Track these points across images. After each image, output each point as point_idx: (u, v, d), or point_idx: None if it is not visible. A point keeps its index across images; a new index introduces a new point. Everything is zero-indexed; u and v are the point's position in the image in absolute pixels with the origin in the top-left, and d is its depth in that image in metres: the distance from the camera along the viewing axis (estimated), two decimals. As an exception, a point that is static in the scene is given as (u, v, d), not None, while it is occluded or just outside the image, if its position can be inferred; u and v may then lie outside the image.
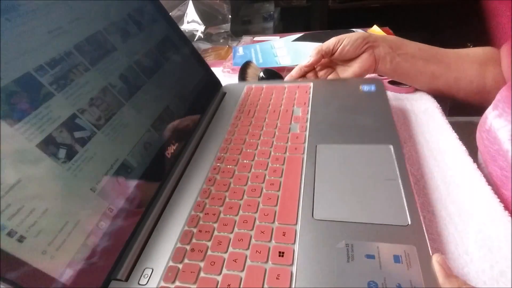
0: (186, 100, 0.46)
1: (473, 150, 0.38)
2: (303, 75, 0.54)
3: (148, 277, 0.27)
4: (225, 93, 0.53)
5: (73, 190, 0.28)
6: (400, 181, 0.32)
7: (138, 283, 0.27)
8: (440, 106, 0.48)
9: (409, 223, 0.28)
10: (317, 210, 0.30)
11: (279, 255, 0.27)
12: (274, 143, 0.40)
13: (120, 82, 0.37)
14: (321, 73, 0.55)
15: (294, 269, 0.26)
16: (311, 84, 0.50)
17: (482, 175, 0.35)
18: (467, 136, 0.39)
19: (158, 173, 0.37)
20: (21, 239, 0.24)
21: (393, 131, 0.38)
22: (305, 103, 0.46)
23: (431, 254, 0.25)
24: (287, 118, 0.44)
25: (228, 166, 0.38)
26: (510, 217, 0.31)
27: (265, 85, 0.53)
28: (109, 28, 0.38)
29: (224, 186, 0.35)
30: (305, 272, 0.26)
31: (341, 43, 0.50)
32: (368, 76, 0.52)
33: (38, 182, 0.26)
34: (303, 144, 0.39)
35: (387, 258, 0.25)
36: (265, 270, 0.26)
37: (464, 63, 0.46)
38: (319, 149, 0.38)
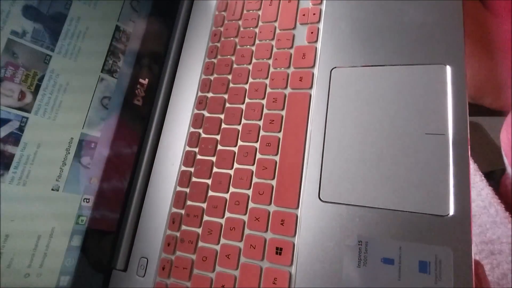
0: (142, 7, 0.32)
1: (472, 150, 0.30)
2: None
3: (144, 268, 0.26)
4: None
5: (30, 201, 0.24)
6: (450, 136, 0.21)
7: (137, 274, 0.26)
8: None
9: (452, 213, 0.20)
10: (325, 188, 0.23)
11: (277, 253, 0.23)
12: (271, 69, 0.28)
13: (29, 22, 0.25)
14: None
15: (293, 270, 0.22)
16: None
17: (483, 176, 0.32)
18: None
19: (130, 134, 0.30)
20: (-6, 275, 0.22)
21: (456, 37, 0.23)
22: (318, -21, 0.29)
23: (472, 264, 0.19)
24: (289, 16, 0.29)
25: (213, 115, 0.29)
26: (511, 219, 0.29)
27: None
28: None
29: (210, 149, 0.28)
30: (305, 278, 0.22)
31: None
32: None
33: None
34: (311, 69, 0.27)
35: (410, 265, 0.20)
36: (261, 270, 0.23)
37: None
38: (334, 76, 0.26)
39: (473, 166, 0.32)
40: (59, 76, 0.26)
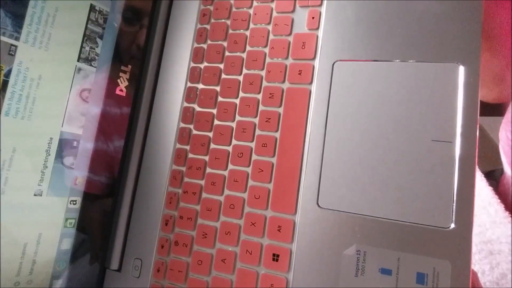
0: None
1: None
2: None
3: (139, 269, 0.26)
4: None
5: (11, 209, 0.23)
6: (457, 145, 0.20)
7: (132, 275, 0.26)
8: None
9: (453, 225, 0.20)
10: (323, 194, 0.22)
11: (273, 259, 0.23)
12: (267, 59, 0.26)
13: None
14: None
15: (290, 277, 0.22)
16: None
17: (483, 175, 0.31)
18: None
19: (114, 129, 0.28)
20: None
21: (474, 33, 0.21)
22: (321, -48, 0.26)
23: (470, 277, 0.19)
24: (288, -4, 0.26)
25: (204, 110, 0.27)
26: (510, 219, 0.29)
27: None
28: None
29: (203, 147, 0.26)
30: (302, 285, 0.22)
31: None
32: None
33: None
34: (312, 61, 0.24)
35: (407, 276, 0.20)
36: (257, 275, 0.23)
37: None
38: (337, 71, 0.24)
39: (475, 167, 0.31)
40: (29, 69, 0.23)
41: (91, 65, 0.26)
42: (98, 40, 0.27)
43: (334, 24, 0.24)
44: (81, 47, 0.26)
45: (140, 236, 0.27)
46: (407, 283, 0.20)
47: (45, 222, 0.24)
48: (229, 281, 0.23)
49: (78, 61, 0.26)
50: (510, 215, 0.29)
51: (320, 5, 0.25)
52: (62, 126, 0.25)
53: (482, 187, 0.30)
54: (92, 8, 0.26)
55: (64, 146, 0.25)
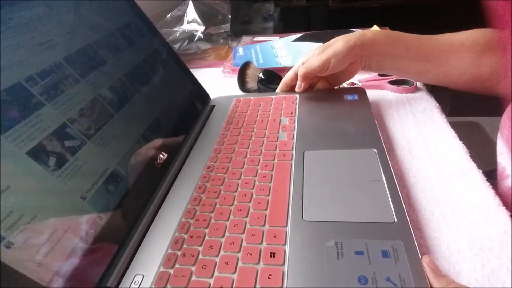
0: (175, 112, 0.47)
1: (472, 150, 0.38)
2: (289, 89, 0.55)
3: (138, 284, 0.27)
4: (213, 106, 0.54)
5: (63, 197, 0.28)
6: (384, 181, 0.33)
7: (129, 290, 0.27)
8: (440, 106, 0.47)
9: (395, 220, 0.29)
10: (306, 212, 0.31)
11: (271, 256, 0.27)
12: (263, 151, 0.41)
13: (110, 94, 0.38)
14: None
15: (285, 268, 0.26)
16: (297, 96, 0.52)
17: (482, 174, 0.35)
18: (467, 136, 0.37)
19: (148, 182, 0.37)
20: (8, 245, 0.23)
21: (376, 136, 0.39)
22: (292, 113, 0.47)
23: (417, 248, 0.26)
24: (275, 127, 0.45)
25: (218, 174, 0.38)
26: (507, 216, 0.31)
27: (252, 97, 0.54)
28: (99, 42, 0.39)
29: (215, 193, 0.35)
30: (296, 271, 0.26)
31: (329, 64, 0.46)
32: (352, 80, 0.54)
33: (27, 189, 0.26)
34: (291, 151, 0.40)
35: (375, 254, 0.26)
36: (257, 270, 0.26)
37: (457, 55, 0.43)
38: (306, 155, 0.39)
39: (470, 166, 0.36)
40: (114, 127, 0.36)
41: (146, 142, 0.39)
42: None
43: (302, 136, 0.42)
44: (145, 130, 0.40)
45: (148, 254, 0.29)
46: (376, 258, 0.26)
47: (75, 220, 0.28)
48: (231, 279, 0.26)
49: (140, 137, 0.39)
50: (509, 213, 0.31)
51: (293, 137, 0.44)
52: (116, 165, 0.34)
53: (478, 185, 0.32)
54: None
55: (112, 177, 0.33)
